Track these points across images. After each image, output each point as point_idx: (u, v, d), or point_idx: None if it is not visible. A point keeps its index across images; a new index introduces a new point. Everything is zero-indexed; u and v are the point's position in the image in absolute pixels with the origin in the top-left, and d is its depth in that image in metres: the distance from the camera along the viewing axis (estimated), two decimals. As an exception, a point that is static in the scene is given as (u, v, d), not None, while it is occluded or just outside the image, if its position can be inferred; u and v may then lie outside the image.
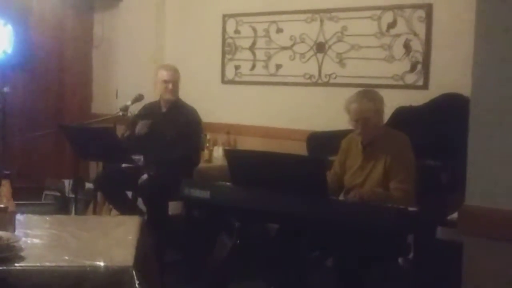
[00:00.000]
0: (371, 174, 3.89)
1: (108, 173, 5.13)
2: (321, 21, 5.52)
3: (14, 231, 2.92)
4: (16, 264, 2.65)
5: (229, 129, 5.96)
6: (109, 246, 3.01)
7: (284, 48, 5.77)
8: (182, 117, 4.97)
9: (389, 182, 3.81)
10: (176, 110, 5.03)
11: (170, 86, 5.00)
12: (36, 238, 3.03)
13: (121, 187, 4.98)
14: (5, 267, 2.62)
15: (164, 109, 5.08)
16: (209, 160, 5.72)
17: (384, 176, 3.83)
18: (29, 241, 2.94)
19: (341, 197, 3.98)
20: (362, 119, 3.86)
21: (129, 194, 5.13)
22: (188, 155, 4.88)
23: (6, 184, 2.95)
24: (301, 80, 5.66)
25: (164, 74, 5.04)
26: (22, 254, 2.73)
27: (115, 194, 5.02)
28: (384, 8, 5.16)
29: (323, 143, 4.86)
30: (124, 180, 4.95)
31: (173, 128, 4.91)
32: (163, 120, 5.02)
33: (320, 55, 5.55)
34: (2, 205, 2.90)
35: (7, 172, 3.06)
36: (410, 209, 3.45)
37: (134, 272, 2.67)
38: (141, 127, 4.96)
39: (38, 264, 2.68)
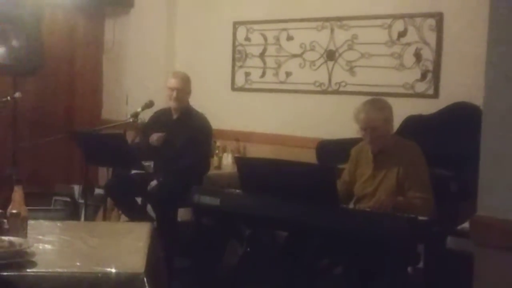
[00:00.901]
0: (382, 183, 3.89)
1: (118, 180, 5.14)
2: (332, 29, 5.53)
3: (26, 236, 2.93)
4: (28, 270, 2.66)
5: (239, 136, 5.97)
6: (120, 253, 3.02)
7: (294, 55, 5.78)
8: (193, 124, 4.98)
9: (405, 192, 3.81)
10: (186, 117, 5.04)
11: (175, 94, 5.01)
12: (48, 244, 3.05)
13: (130, 194, 5.00)
14: (17, 273, 2.62)
15: (175, 116, 5.09)
16: (219, 167, 5.72)
17: (396, 186, 3.83)
18: (40, 247, 2.95)
19: (350, 206, 3.99)
20: (370, 128, 3.87)
21: (139, 200, 5.14)
22: (198, 162, 4.89)
23: (18, 190, 2.97)
24: (311, 88, 5.66)
25: (170, 82, 5.07)
26: (34, 260, 2.74)
27: (125, 201, 5.03)
28: (395, 17, 5.17)
29: (333, 151, 4.86)
30: (134, 187, 4.97)
31: (183, 135, 4.92)
32: (174, 127, 5.03)
33: (330, 63, 5.55)
34: (14, 211, 2.92)
35: (19, 178, 3.08)
36: (420, 218, 3.45)
37: (145, 279, 2.68)
38: (156, 139, 4.95)
39: (50, 270, 2.69)
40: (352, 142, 4.26)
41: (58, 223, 3.64)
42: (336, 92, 5.52)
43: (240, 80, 6.18)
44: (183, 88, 5.04)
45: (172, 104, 5.06)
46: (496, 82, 2.58)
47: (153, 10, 6.57)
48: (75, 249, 3.04)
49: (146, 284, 2.67)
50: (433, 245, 3.75)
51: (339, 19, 5.47)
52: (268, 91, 5.95)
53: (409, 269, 3.95)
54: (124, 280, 2.67)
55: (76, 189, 6.27)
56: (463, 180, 4.00)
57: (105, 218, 5.34)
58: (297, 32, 5.75)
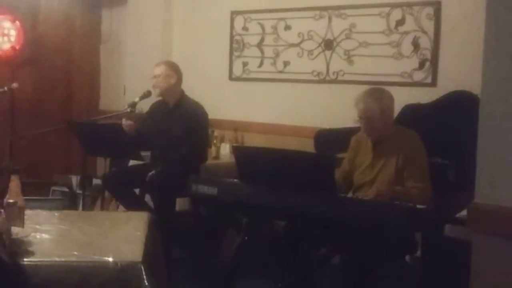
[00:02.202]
0: (381, 172, 3.89)
1: (115, 173, 5.15)
2: (329, 18, 5.51)
3: (23, 226, 2.93)
4: (25, 259, 2.67)
5: (237, 126, 5.96)
6: (117, 242, 3.02)
7: (292, 45, 5.76)
8: (188, 113, 4.95)
9: (404, 181, 3.81)
10: (182, 106, 5.02)
11: (154, 81, 5.01)
12: (45, 233, 3.05)
13: (128, 186, 4.99)
14: (14, 262, 2.62)
15: (170, 106, 5.07)
16: (217, 156, 5.72)
17: (395, 175, 3.83)
18: (38, 236, 2.96)
19: (349, 195, 3.98)
20: (366, 118, 3.87)
21: (137, 191, 5.14)
22: (195, 150, 4.88)
23: (15, 179, 2.96)
24: (309, 77, 5.65)
25: (153, 71, 5.06)
26: (31, 249, 2.75)
27: (123, 194, 5.02)
28: (393, 6, 5.15)
29: (331, 141, 4.85)
30: (132, 178, 4.97)
31: (179, 124, 4.90)
32: (170, 116, 5.02)
33: (328, 52, 5.54)
34: (11, 200, 2.91)
35: (16, 168, 3.07)
36: (418, 206, 3.44)
37: (142, 268, 2.68)
38: (127, 126, 4.94)
39: (47, 259, 2.70)
40: (350, 132, 4.25)
41: (56, 213, 3.65)
42: (334, 81, 5.51)
43: (237, 70, 6.16)
44: (163, 73, 5.00)
45: (155, 92, 5.05)
46: (494, 70, 2.57)
47: (150, 0, 6.54)
48: (72, 238, 3.04)
49: (144, 273, 2.67)
50: (431, 233, 3.75)
51: (336, 8, 5.46)
52: (266, 80, 5.94)
53: (407, 257, 3.95)
54: (121, 269, 2.68)
55: (74, 179, 6.27)
56: (461, 169, 4.00)
57: (103, 209, 5.33)
58: (295, 22, 5.73)
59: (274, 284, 4.03)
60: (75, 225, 3.22)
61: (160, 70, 5.03)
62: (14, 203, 2.91)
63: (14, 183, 2.94)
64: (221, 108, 5.90)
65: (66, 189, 6.16)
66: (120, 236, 3.14)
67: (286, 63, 5.82)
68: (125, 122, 4.95)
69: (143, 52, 6.51)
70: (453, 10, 4.88)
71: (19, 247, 2.71)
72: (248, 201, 3.75)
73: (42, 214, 3.51)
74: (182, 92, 5.09)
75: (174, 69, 5.07)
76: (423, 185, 3.79)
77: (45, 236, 3.01)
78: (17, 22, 6.16)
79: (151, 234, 3.20)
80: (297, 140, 5.36)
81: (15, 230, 2.80)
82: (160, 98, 5.16)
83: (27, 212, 3.09)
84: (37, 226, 3.10)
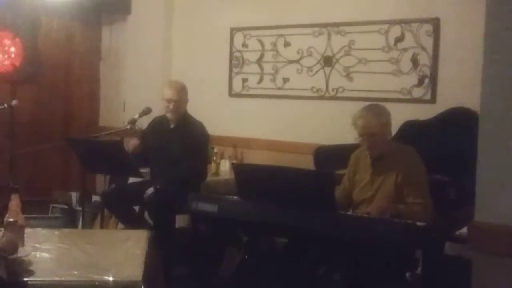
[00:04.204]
0: (380, 188, 3.90)
1: (114, 191, 5.14)
2: (329, 35, 5.53)
3: (24, 245, 2.92)
4: (26, 279, 2.66)
5: (236, 142, 5.97)
6: (117, 261, 3.02)
7: (291, 61, 5.78)
8: (190, 133, 4.96)
9: (405, 197, 3.82)
10: (184, 126, 5.02)
11: (171, 106, 4.97)
12: (45, 252, 3.05)
13: (128, 203, 4.99)
14: (15, 282, 2.62)
15: (172, 125, 5.06)
16: (217, 173, 5.72)
17: (395, 192, 3.83)
18: (38, 255, 2.95)
19: (349, 211, 3.98)
20: (367, 134, 3.88)
21: (136, 208, 5.13)
22: (195, 170, 4.88)
23: (15, 198, 2.97)
24: (309, 93, 5.67)
25: (166, 93, 5.01)
26: (32, 268, 2.74)
27: (122, 211, 5.03)
28: (392, 22, 5.17)
29: (330, 157, 4.85)
30: (131, 196, 4.96)
31: (181, 143, 4.90)
32: (171, 135, 5.01)
33: (327, 69, 5.56)
34: (11, 219, 2.91)
35: (16, 187, 3.07)
36: (419, 224, 3.45)
37: (143, 287, 2.67)
38: (132, 148, 4.94)
39: (47, 279, 2.69)
40: (349, 148, 4.26)
41: (55, 231, 3.64)
42: (334, 97, 5.53)
43: (237, 86, 6.18)
44: (179, 99, 4.99)
45: (169, 115, 5.03)
46: (492, 87, 2.58)
47: (150, 17, 6.57)
48: (72, 257, 3.04)
49: (144, 292, 2.67)
50: (431, 250, 3.74)
51: (336, 25, 5.48)
52: (266, 97, 5.96)
53: (407, 274, 3.94)
54: (122, 288, 2.67)
55: (74, 196, 6.26)
56: (461, 186, 4.00)
57: (102, 225, 5.32)
58: (294, 38, 5.75)
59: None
60: (75, 244, 3.22)
61: (175, 95, 4.97)
62: (14, 222, 2.91)
63: (14, 202, 2.95)
64: (220, 125, 5.91)
65: (65, 206, 6.13)
66: (120, 255, 3.13)
67: (285, 80, 5.83)
68: (132, 142, 4.95)
69: (143, 69, 6.53)
70: (451, 27, 4.90)
71: (19, 266, 2.70)
72: (248, 218, 3.75)
73: (42, 232, 3.50)
74: (185, 110, 5.09)
75: (186, 92, 5.07)
76: (424, 201, 3.79)
77: (45, 255, 3.01)
78: (17, 39, 6.17)
79: (151, 252, 3.19)
80: (296, 157, 5.36)
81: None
82: (162, 114, 5.16)
83: (27, 230, 3.10)
84: (37, 245, 3.10)
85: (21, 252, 2.79)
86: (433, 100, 4.99)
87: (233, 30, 6.17)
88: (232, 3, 6.15)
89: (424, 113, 4.81)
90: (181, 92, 5.03)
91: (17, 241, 2.81)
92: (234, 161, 5.70)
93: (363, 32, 5.33)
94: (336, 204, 3.63)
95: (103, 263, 2.94)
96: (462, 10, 4.81)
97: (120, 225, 5.26)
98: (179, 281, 4.72)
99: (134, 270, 2.82)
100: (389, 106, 4.13)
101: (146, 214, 5.13)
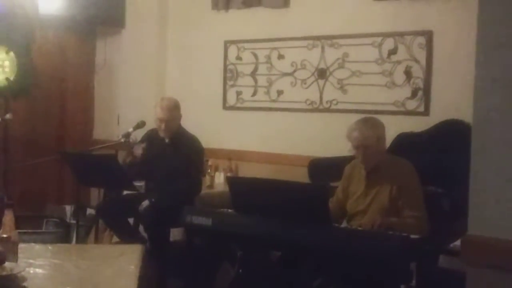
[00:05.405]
0: (374, 200, 3.90)
1: (109, 203, 5.13)
2: (322, 48, 5.55)
3: (17, 261, 2.91)
4: (20, 295, 2.65)
5: (231, 155, 5.97)
6: (111, 276, 3.00)
7: (285, 74, 5.80)
8: (185, 147, 4.95)
9: (400, 210, 3.83)
10: (178, 140, 5.01)
11: (163, 126, 4.95)
12: (39, 268, 3.02)
13: (122, 216, 4.98)
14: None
15: (166, 139, 5.06)
16: (211, 186, 5.71)
17: (390, 204, 3.84)
18: (32, 271, 2.93)
19: (343, 224, 3.98)
20: (362, 147, 3.89)
21: (131, 221, 5.12)
22: (189, 184, 4.87)
23: (8, 213, 2.95)
24: (303, 106, 5.68)
25: (157, 112, 4.97)
26: (25, 284, 2.72)
27: (116, 224, 5.02)
28: (385, 35, 5.20)
29: (325, 169, 4.86)
30: (125, 208, 4.96)
31: (175, 157, 4.90)
32: (166, 149, 5.01)
33: (321, 81, 5.57)
34: (5, 235, 2.90)
35: (10, 202, 3.07)
36: (413, 236, 3.45)
37: (136, 302, 2.67)
38: (136, 149, 4.95)
39: (41, 295, 2.68)
40: (344, 160, 4.27)
41: (49, 246, 3.63)
42: (328, 110, 5.54)
43: (231, 99, 6.18)
44: (171, 118, 4.95)
45: (162, 134, 5.02)
46: (485, 99, 2.58)
47: (144, 30, 6.58)
48: (66, 273, 3.02)
49: (138, 308, 2.66)
50: (425, 263, 3.74)
51: (329, 37, 5.50)
52: (260, 109, 5.97)
53: (402, 287, 3.93)
54: (115, 304, 2.66)
55: (68, 209, 6.25)
56: (455, 198, 4.01)
57: (97, 239, 5.31)
58: (288, 51, 5.77)
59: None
60: (69, 259, 3.20)
61: (166, 114, 4.93)
62: (8, 238, 2.90)
63: (8, 218, 2.94)
64: (215, 137, 5.91)
65: (59, 220, 6.12)
66: (114, 270, 3.11)
67: (279, 92, 5.84)
68: (141, 146, 4.95)
69: (137, 82, 6.54)
70: (444, 40, 4.93)
71: (13, 283, 2.69)
72: (242, 231, 3.75)
73: (36, 248, 3.48)
74: (179, 125, 5.09)
75: (179, 108, 5.05)
76: (419, 214, 3.80)
77: (39, 271, 2.99)
78: (11, 53, 6.17)
79: (145, 267, 3.18)
80: (291, 169, 5.36)
81: (9, 265, 2.78)
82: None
83: (21, 246, 3.08)
84: (31, 261, 3.08)
85: (15, 269, 2.78)
86: (426, 112, 5.01)
87: (227, 43, 6.18)
88: (226, 16, 6.17)
89: (418, 125, 4.83)
90: (173, 111, 4.99)
91: (4, 252, 2.79)
92: (228, 174, 5.70)
93: (356, 44, 5.36)
94: (330, 216, 3.63)
95: (97, 279, 2.93)
96: (455, 23, 4.84)
97: (115, 238, 5.25)
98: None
99: (128, 285, 2.81)
100: (382, 118, 4.14)
101: (140, 228, 5.12)
